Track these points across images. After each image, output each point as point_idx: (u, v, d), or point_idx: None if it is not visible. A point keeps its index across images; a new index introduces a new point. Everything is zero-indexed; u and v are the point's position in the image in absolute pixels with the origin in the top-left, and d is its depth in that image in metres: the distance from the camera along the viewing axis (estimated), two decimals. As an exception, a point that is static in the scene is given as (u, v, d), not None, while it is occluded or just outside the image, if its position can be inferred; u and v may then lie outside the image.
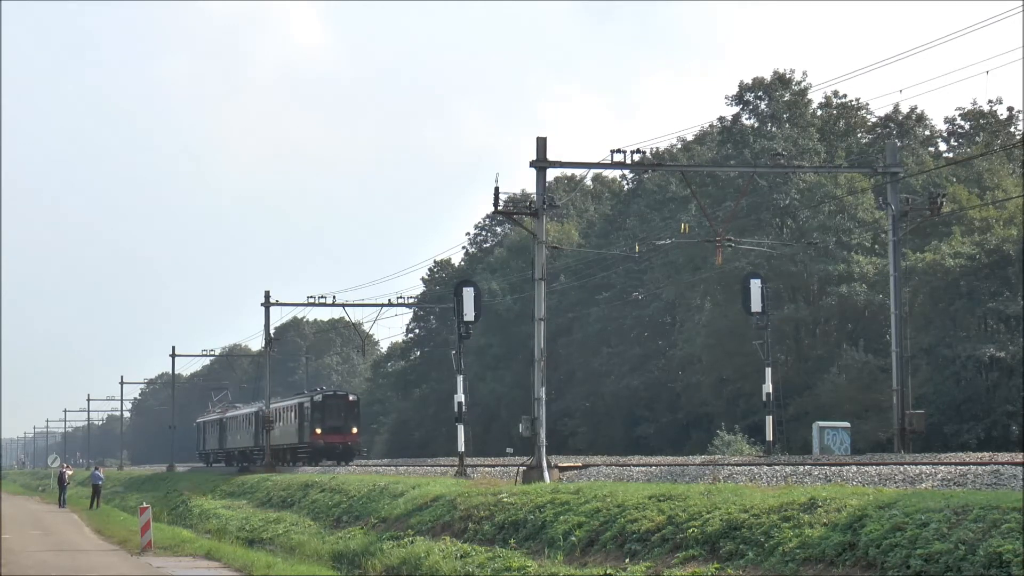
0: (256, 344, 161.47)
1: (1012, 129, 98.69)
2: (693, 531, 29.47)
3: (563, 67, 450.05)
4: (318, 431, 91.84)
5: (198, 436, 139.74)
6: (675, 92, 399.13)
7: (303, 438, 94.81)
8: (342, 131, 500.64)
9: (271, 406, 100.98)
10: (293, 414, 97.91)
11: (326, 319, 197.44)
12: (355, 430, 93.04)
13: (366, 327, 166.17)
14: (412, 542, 41.95)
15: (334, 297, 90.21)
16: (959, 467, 31.14)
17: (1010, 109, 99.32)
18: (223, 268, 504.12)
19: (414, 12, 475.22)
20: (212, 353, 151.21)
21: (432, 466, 68.91)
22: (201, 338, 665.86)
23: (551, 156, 51.37)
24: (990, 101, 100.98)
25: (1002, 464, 31.45)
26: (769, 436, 58.61)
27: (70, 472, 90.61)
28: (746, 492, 31.62)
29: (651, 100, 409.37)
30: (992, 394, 75.34)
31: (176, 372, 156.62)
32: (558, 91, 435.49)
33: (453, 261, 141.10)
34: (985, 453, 45.23)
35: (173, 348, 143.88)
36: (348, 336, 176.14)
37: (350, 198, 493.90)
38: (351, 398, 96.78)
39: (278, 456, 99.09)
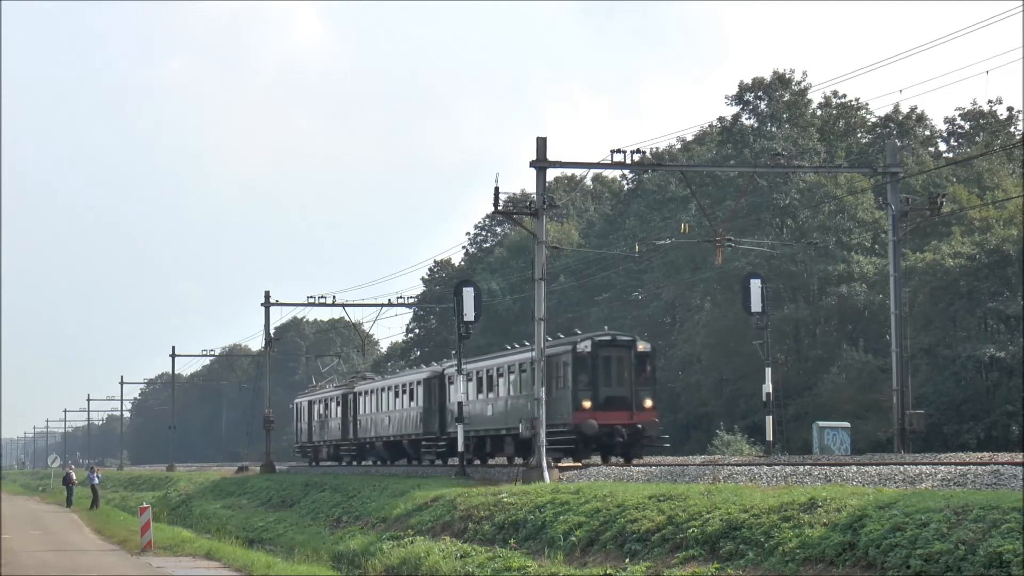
0: (256, 344, 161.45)
1: (1012, 129, 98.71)
2: (693, 531, 29.48)
3: (563, 67, 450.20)
4: (586, 405, 53.48)
5: (296, 423, 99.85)
6: (675, 92, 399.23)
7: (561, 416, 54.07)
8: (342, 131, 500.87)
9: (476, 364, 63.99)
10: (523, 376, 58.35)
11: (326, 319, 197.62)
12: (649, 403, 54.65)
13: (366, 327, 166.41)
14: (412, 542, 41.96)
15: (334, 297, 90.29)
16: (959, 467, 31.14)
17: (1010, 109, 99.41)
18: (223, 268, 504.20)
19: (414, 12, 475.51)
20: (212, 353, 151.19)
21: (431, 466, 68.94)
22: (201, 338, 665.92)
23: (551, 156, 51.46)
24: (990, 101, 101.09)
25: (1002, 464, 31.46)
26: (769, 436, 58.59)
27: (74, 474, 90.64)
28: (746, 492, 31.63)
29: (651, 100, 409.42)
30: (992, 394, 75.36)
31: (176, 372, 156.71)
32: (558, 91, 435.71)
33: (453, 261, 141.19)
34: (985, 453, 45.26)
35: (173, 348, 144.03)
36: (348, 336, 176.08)
37: (350, 198, 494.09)
38: (641, 347, 55.98)
39: (485, 449, 63.45)
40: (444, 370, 68.76)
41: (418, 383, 71.28)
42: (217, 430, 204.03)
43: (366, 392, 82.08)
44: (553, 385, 53.85)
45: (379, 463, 79.52)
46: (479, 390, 62.38)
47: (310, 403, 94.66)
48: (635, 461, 52.74)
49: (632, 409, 53.57)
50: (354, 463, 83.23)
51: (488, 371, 62.03)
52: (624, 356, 54.83)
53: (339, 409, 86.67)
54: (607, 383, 54.18)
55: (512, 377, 59.35)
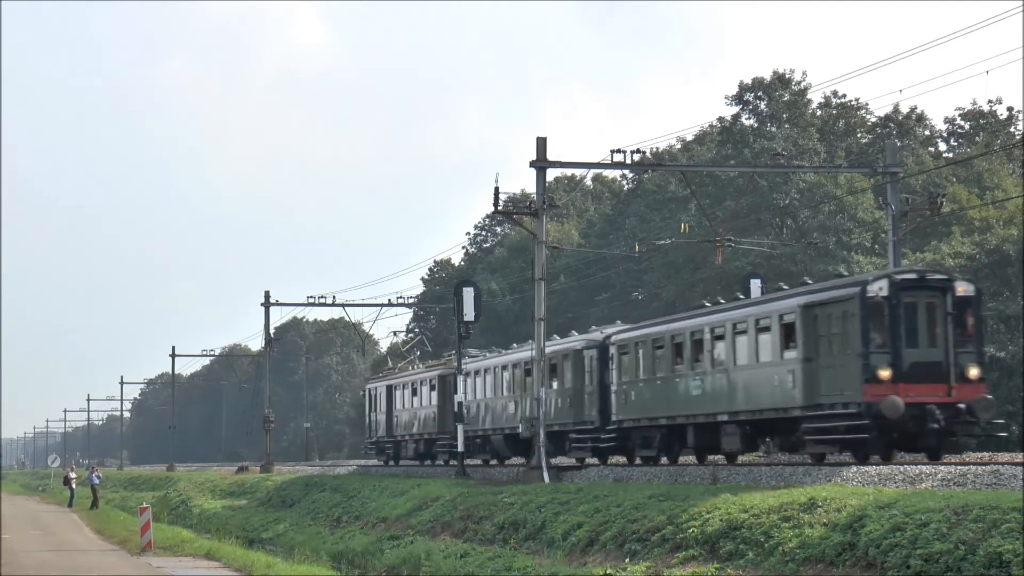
0: (256, 344, 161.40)
1: (1012, 129, 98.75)
2: (693, 531, 29.51)
3: (563, 67, 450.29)
4: (884, 375, 36.98)
5: (370, 414, 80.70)
6: (675, 92, 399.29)
7: (842, 390, 38.04)
8: (342, 131, 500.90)
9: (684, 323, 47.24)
10: (778, 335, 40.87)
11: (326, 319, 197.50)
12: (975, 371, 38.35)
13: (366, 327, 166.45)
14: (412, 542, 41.98)
15: (334, 297, 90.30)
16: (959, 467, 31.17)
17: (1010, 109, 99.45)
18: (223, 268, 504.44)
19: (414, 12, 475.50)
20: (212, 353, 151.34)
21: (432, 466, 68.84)
22: (201, 338, 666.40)
23: (551, 156, 51.49)
24: (990, 101, 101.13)
25: (1002, 464, 31.48)
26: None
27: (74, 475, 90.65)
28: (746, 492, 31.66)
29: (651, 100, 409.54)
30: (992, 394, 75.25)
31: (176, 372, 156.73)
32: (558, 91, 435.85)
33: (453, 261, 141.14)
34: (985, 453, 45.29)
35: (173, 348, 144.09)
36: (348, 336, 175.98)
37: (350, 198, 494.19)
38: (961, 289, 38.62)
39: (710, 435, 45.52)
40: (607, 338, 52.17)
41: (566, 356, 54.31)
42: (217, 430, 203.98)
43: (476, 372, 63.48)
44: (828, 346, 38.35)
45: (493, 462, 63.21)
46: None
47: (390, 388, 76.51)
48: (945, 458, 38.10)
49: (951, 380, 37.09)
50: (451, 462, 64.77)
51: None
52: (937, 302, 37.75)
53: (433, 395, 69.22)
54: (913, 342, 37.34)
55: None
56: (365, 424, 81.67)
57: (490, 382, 61.97)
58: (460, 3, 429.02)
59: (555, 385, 54.21)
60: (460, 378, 59.48)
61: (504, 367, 60.48)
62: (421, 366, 76.07)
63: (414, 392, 71.51)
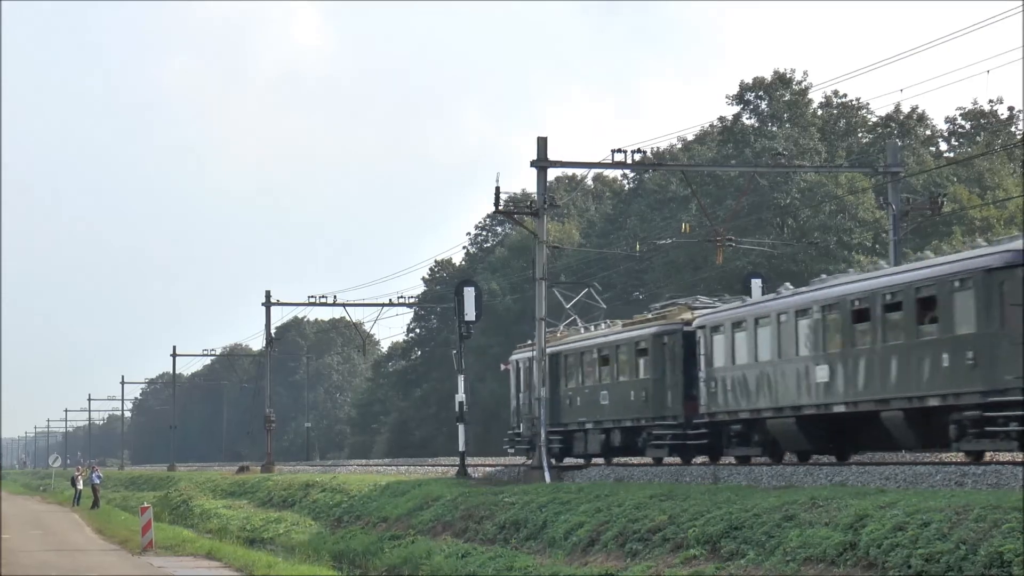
0: (257, 344, 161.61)
1: (1012, 129, 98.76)
2: (694, 531, 29.50)
3: (564, 67, 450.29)
4: None
5: (518, 395, 58.96)
6: (676, 92, 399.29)
7: None
8: (342, 130, 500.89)
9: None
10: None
11: (327, 319, 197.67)
12: None
13: (367, 327, 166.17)
14: (413, 542, 41.98)
15: (335, 297, 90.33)
16: (960, 467, 31.12)
17: (1011, 109, 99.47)
18: (224, 268, 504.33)
19: (414, 12, 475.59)
20: (213, 353, 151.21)
21: (433, 466, 68.83)
22: (202, 338, 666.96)
23: (552, 156, 51.52)
24: (991, 101, 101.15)
25: (1003, 464, 31.45)
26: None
27: (80, 475, 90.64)
28: (747, 492, 31.67)
29: (652, 100, 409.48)
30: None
31: (177, 372, 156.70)
32: (559, 91, 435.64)
33: (454, 261, 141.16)
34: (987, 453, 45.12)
35: (174, 348, 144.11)
36: (349, 336, 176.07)
37: (350, 197, 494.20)
38: None
39: None
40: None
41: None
42: (218, 429, 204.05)
43: (725, 326, 43.46)
44: None
45: (761, 459, 42.12)
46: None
47: (565, 357, 53.98)
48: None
49: None
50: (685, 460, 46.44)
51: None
52: None
53: (643, 362, 48.26)
54: None
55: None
56: (511, 409, 59.28)
57: (768, 337, 41.12)
58: (461, 3, 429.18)
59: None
60: (706, 332, 43.92)
61: (804, 311, 39.51)
62: (607, 325, 55.30)
63: (604, 361, 51.04)
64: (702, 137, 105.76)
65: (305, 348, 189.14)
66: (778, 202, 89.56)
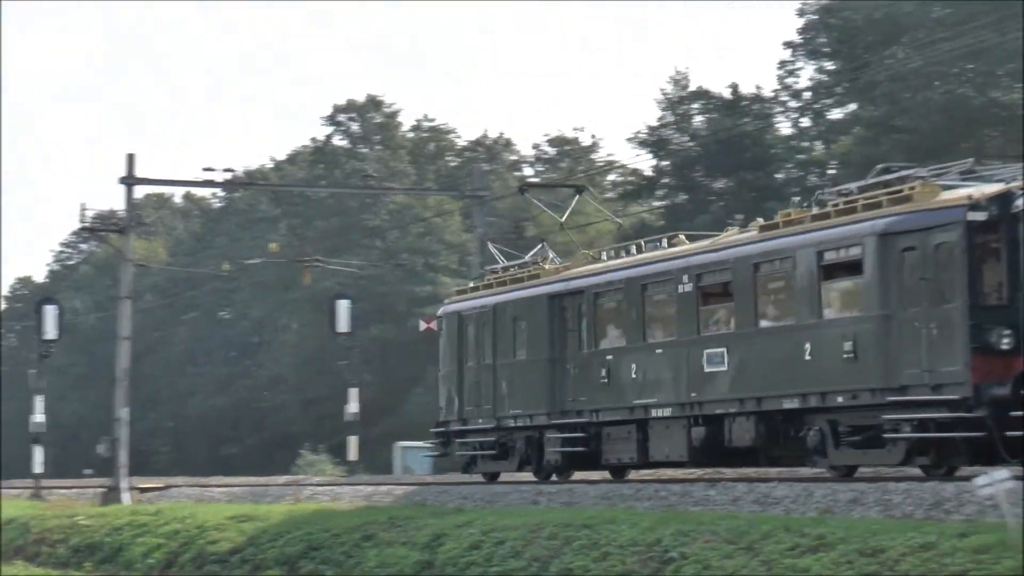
0: None
1: (592, 156, 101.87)
2: (273, 552, 29.31)
3: (158, 80, 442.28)
4: None
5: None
6: (267, 111, 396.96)
7: None
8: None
9: None
10: None
11: None
12: None
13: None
14: (-18, 567, 40.44)
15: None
16: (537, 485, 31.80)
17: (593, 136, 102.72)
18: None
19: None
20: None
21: (7, 488, 66.49)
22: None
23: (144, 173, 50.97)
24: (575, 128, 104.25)
25: (576, 484, 32.23)
26: (353, 456, 58.87)
27: None
28: (328, 512, 31.67)
29: (242, 120, 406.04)
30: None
31: None
32: (152, 105, 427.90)
33: (35, 279, 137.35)
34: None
35: None
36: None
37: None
38: None
39: None
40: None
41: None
42: None
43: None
44: None
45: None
46: None
47: (462, 319, 37.26)
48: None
49: None
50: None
51: None
52: None
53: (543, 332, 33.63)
54: None
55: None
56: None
57: None
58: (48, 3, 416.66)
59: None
60: None
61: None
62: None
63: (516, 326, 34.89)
64: (294, 157, 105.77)
65: None
66: (367, 223, 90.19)
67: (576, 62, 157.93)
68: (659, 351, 30.06)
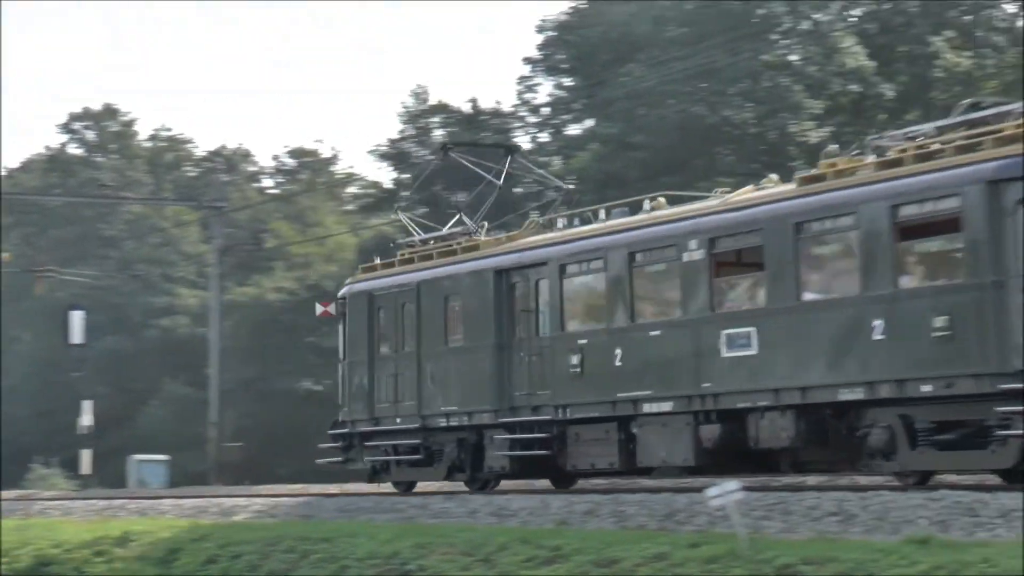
0: None
1: (331, 168, 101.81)
2: (3, 568, 28.68)
3: None
4: None
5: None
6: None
7: None
8: None
9: None
10: None
11: None
12: None
13: None
14: None
15: None
16: (273, 499, 31.71)
17: (332, 148, 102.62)
18: None
19: None
20: None
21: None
22: None
23: None
24: (316, 140, 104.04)
25: (313, 496, 32.25)
26: (86, 470, 57.91)
27: None
28: (59, 527, 31.08)
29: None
30: (309, 426, 77.20)
31: None
32: None
33: None
34: (299, 484, 46.33)
35: None
36: None
37: None
38: None
39: None
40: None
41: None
42: None
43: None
44: None
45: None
46: None
47: (371, 298, 31.94)
48: None
49: None
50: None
51: None
52: None
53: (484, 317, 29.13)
54: None
55: None
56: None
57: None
58: None
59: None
60: None
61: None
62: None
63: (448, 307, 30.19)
64: (27, 165, 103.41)
65: None
66: (103, 233, 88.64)
67: (316, 78, 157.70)
68: (655, 333, 25.12)
